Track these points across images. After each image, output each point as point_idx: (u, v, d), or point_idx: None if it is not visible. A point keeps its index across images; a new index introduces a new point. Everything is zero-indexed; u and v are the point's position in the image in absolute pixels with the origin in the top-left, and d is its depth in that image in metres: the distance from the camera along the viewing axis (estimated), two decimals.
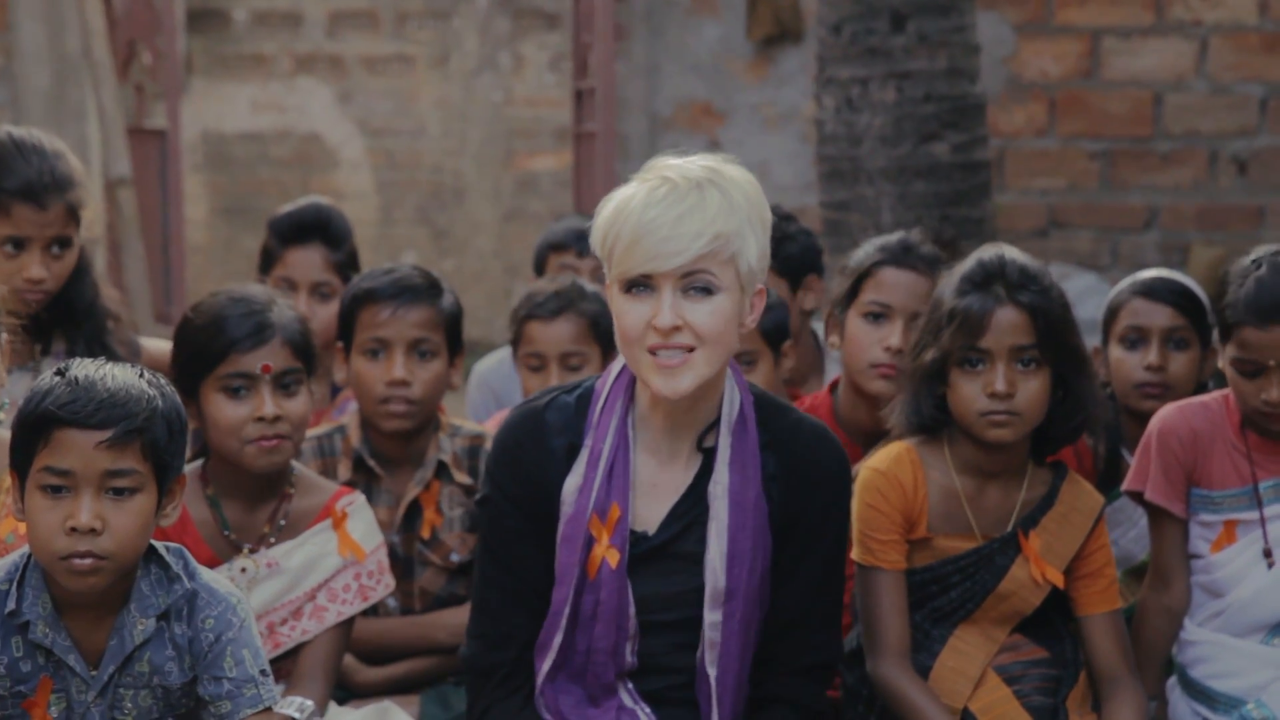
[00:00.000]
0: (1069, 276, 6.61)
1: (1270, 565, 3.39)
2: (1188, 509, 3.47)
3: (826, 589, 3.08)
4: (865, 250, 3.78)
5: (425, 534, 3.74)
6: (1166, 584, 3.49)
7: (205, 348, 3.36)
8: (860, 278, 3.71)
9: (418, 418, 3.73)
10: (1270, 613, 3.39)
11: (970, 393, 3.23)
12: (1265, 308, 3.29)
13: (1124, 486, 3.52)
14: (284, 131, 11.40)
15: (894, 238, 3.76)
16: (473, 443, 3.79)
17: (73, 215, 3.65)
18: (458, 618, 3.70)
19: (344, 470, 3.74)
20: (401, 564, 3.70)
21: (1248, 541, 3.42)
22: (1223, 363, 3.42)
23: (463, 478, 3.74)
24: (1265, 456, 3.41)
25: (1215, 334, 3.48)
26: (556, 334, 4.08)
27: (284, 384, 3.36)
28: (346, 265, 4.60)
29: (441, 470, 3.76)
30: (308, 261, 4.56)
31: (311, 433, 3.76)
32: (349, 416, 3.85)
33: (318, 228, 4.60)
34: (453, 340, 3.79)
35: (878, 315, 3.67)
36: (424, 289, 3.76)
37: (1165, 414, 3.50)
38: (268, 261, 4.65)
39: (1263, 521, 3.40)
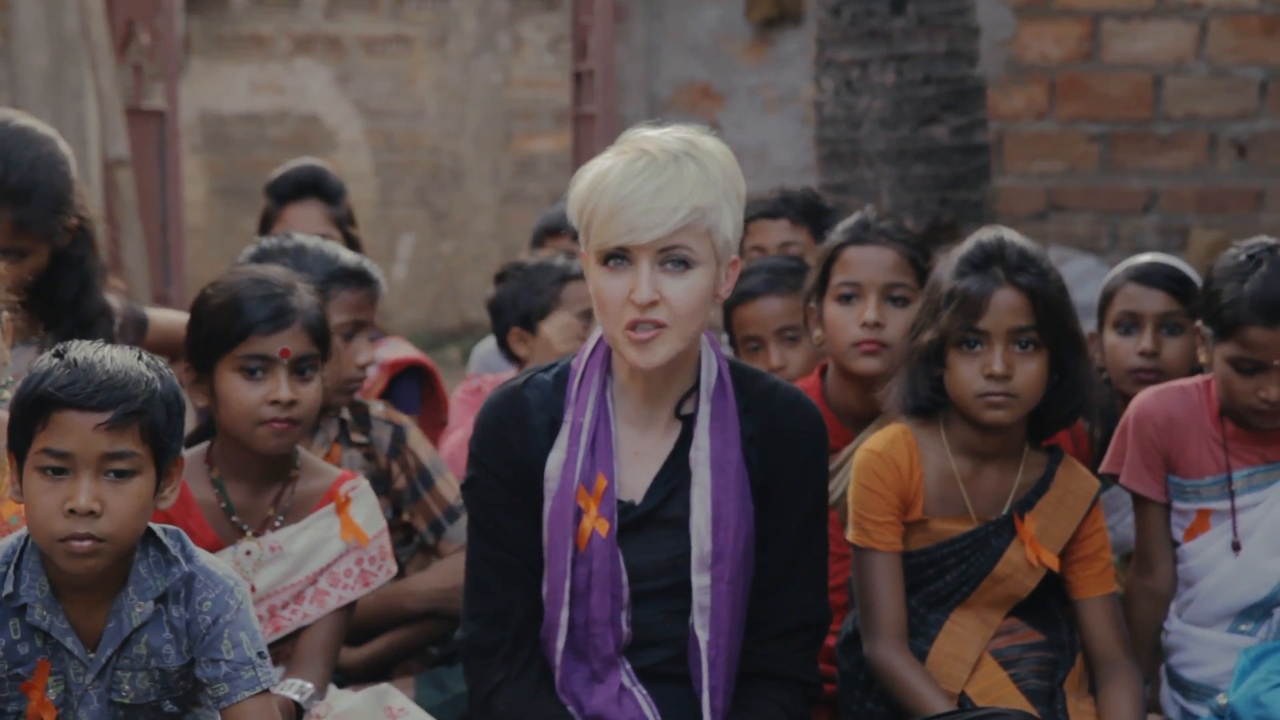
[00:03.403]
0: (1068, 260, 6.61)
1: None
2: (1166, 493, 3.47)
3: (807, 550, 3.11)
4: (828, 238, 3.80)
5: None
6: (1150, 568, 3.50)
7: (225, 327, 3.35)
8: (827, 264, 3.72)
9: None
10: (1235, 600, 3.39)
11: (968, 374, 3.24)
12: (1275, 306, 3.25)
13: (1102, 468, 3.51)
14: (282, 112, 11.40)
15: (853, 219, 3.77)
16: (357, 411, 3.84)
17: (23, 230, 3.57)
18: (424, 584, 3.75)
19: None
20: None
21: (1219, 531, 3.42)
22: (1205, 357, 3.40)
23: (359, 437, 3.80)
24: (1241, 446, 3.41)
25: (1199, 325, 3.43)
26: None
27: (300, 369, 3.36)
28: (345, 221, 4.62)
29: (341, 431, 3.78)
30: (306, 216, 4.60)
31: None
32: None
33: (313, 184, 4.64)
34: None
35: (850, 296, 3.67)
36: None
37: (1143, 399, 3.50)
38: (266, 226, 4.67)
39: (1233, 511, 3.40)
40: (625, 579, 3.02)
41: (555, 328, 4.17)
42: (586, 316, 4.14)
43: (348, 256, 3.81)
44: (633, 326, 2.92)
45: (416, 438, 3.85)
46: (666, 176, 2.88)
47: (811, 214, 4.52)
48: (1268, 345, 3.27)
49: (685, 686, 3.06)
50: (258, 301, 3.35)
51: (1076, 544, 3.34)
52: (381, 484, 3.77)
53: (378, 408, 3.87)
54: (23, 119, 3.70)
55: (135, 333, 3.88)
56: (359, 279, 3.79)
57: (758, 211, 4.76)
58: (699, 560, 3.01)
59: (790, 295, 3.95)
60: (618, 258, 2.91)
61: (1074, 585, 3.35)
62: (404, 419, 3.88)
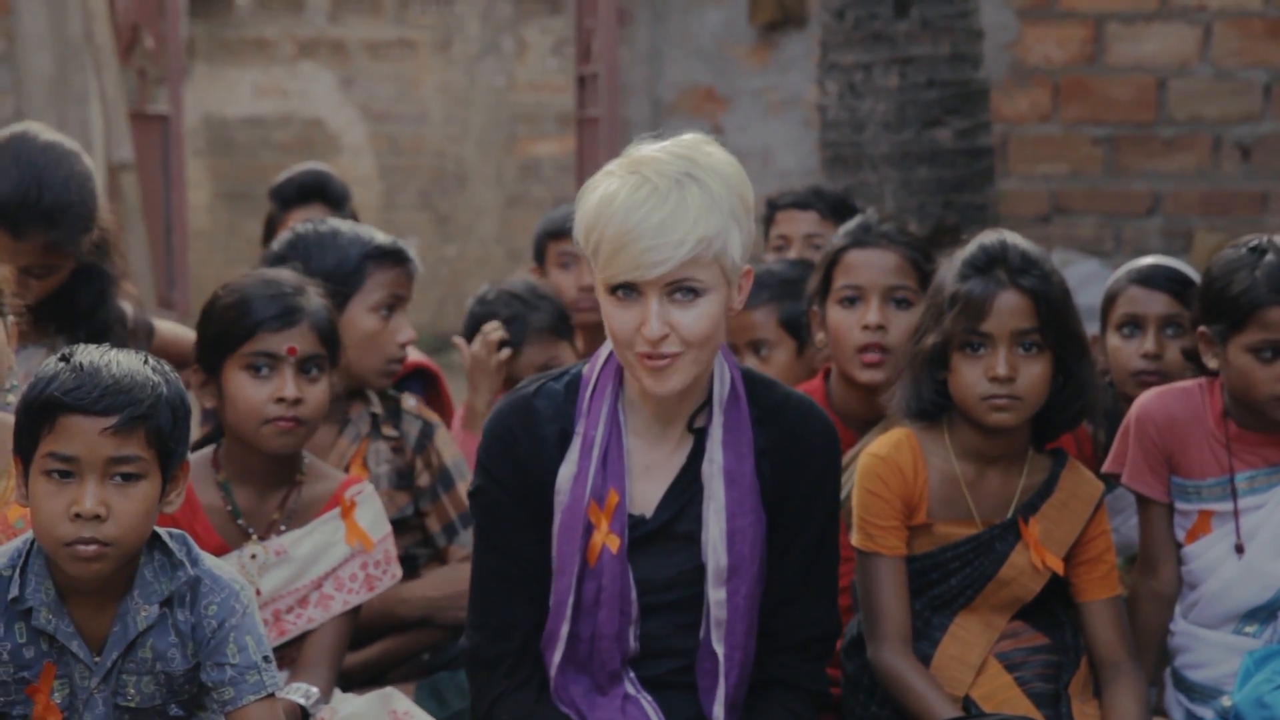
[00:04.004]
0: (1072, 263, 6.61)
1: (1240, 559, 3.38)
2: (1169, 493, 3.46)
3: (820, 563, 3.08)
4: (830, 240, 3.79)
5: None
6: (1154, 569, 3.49)
7: (234, 325, 3.36)
8: (829, 267, 3.71)
9: None
10: (1240, 603, 3.39)
11: (972, 377, 3.24)
12: None
13: (1104, 468, 3.50)
14: (286, 116, 11.41)
15: (854, 221, 3.77)
16: (388, 404, 3.85)
17: (56, 250, 3.59)
18: (417, 591, 3.75)
19: None
20: None
21: (1222, 533, 3.40)
22: (1215, 361, 3.37)
23: (390, 430, 3.80)
24: (1243, 447, 3.39)
25: (1204, 330, 3.41)
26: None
27: (306, 369, 3.37)
28: None
29: (373, 426, 3.79)
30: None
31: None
32: None
33: (317, 189, 4.66)
34: None
35: (852, 299, 3.67)
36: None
37: (1145, 399, 3.49)
38: (270, 230, 4.69)
39: (1236, 514, 3.39)
40: (634, 595, 3.00)
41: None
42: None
43: (382, 236, 3.84)
44: (645, 356, 2.89)
45: (444, 438, 3.85)
46: (669, 208, 2.83)
47: (841, 211, 4.51)
48: None
49: (690, 695, 3.05)
50: (266, 300, 3.36)
51: (1081, 547, 3.34)
52: (405, 479, 3.79)
53: (410, 402, 3.88)
54: (46, 133, 3.69)
55: (144, 338, 3.90)
56: (394, 256, 3.80)
57: (789, 201, 4.77)
58: (715, 575, 2.98)
59: (766, 307, 3.93)
60: (626, 289, 2.88)
61: (1078, 588, 3.35)
62: (435, 417, 3.88)
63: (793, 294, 3.95)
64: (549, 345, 4.36)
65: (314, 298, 3.42)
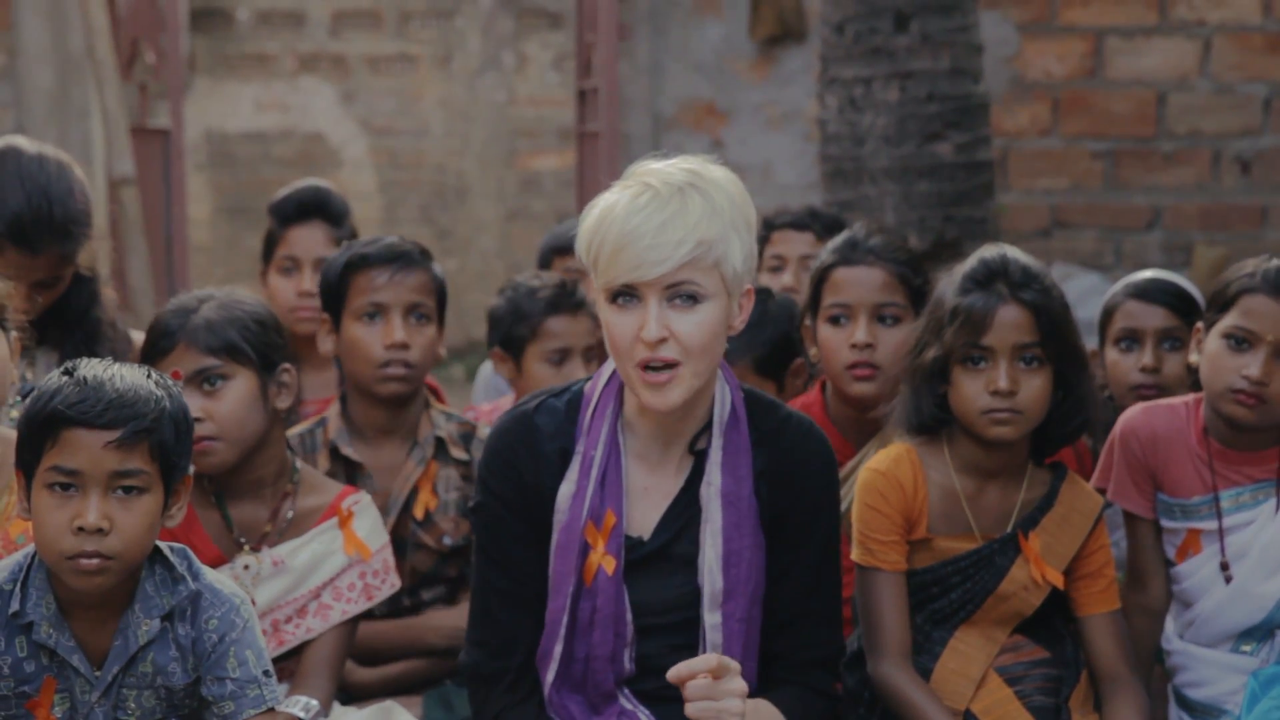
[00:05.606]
0: (1072, 277, 6.62)
1: (1228, 580, 3.37)
2: (1154, 509, 3.45)
3: (823, 585, 3.08)
4: (820, 256, 3.79)
5: (419, 515, 3.75)
6: (1143, 584, 3.48)
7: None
8: (818, 285, 3.72)
9: (414, 382, 3.78)
10: (1233, 623, 3.38)
11: (972, 391, 3.24)
12: None
13: (1091, 483, 3.50)
14: (287, 131, 11.42)
15: (842, 237, 3.76)
16: (463, 429, 3.84)
17: (66, 261, 3.61)
18: (449, 620, 3.73)
19: (322, 462, 3.74)
20: (393, 543, 3.70)
21: (1211, 552, 3.39)
22: (1195, 358, 3.38)
23: (460, 454, 3.78)
24: (1226, 465, 3.38)
25: (1199, 327, 3.40)
26: (579, 327, 4.12)
27: (208, 380, 3.36)
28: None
29: (439, 449, 3.77)
30: (310, 238, 4.62)
31: (293, 431, 3.75)
32: (329, 409, 3.85)
33: (317, 205, 4.66)
34: (441, 308, 3.84)
35: (840, 317, 3.67)
36: (417, 255, 3.81)
37: (1129, 415, 3.48)
38: (270, 246, 4.70)
39: (1221, 533, 3.38)
40: (630, 617, 2.99)
41: (531, 367, 4.17)
42: (560, 356, 4.13)
43: (385, 243, 3.80)
44: (644, 366, 2.88)
45: None
46: (670, 210, 2.84)
47: (837, 233, 4.52)
48: (1265, 315, 3.26)
49: None
50: (149, 333, 3.42)
51: (1080, 561, 3.34)
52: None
53: (485, 429, 3.86)
54: (30, 145, 3.70)
55: (124, 343, 3.90)
56: (368, 261, 3.76)
57: (785, 221, 4.78)
58: (710, 598, 2.98)
59: (740, 364, 3.90)
60: (626, 295, 2.88)
61: (1078, 602, 3.35)
62: None
63: (759, 340, 3.92)
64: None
65: (205, 312, 3.40)
